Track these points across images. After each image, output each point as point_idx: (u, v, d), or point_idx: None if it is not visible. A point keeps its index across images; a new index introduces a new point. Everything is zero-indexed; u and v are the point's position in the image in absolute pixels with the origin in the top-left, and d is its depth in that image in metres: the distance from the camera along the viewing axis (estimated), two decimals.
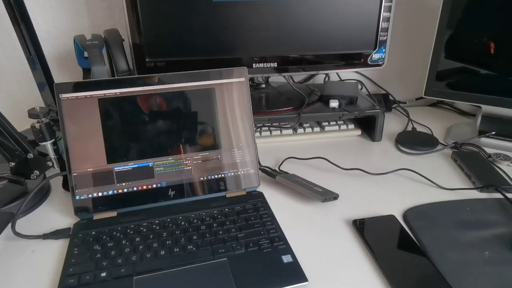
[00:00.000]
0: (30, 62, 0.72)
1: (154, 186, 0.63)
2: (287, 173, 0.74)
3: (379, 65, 0.92)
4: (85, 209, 0.61)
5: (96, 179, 0.61)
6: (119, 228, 0.58)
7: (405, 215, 0.63)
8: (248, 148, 0.67)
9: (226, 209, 0.62)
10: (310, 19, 0.84)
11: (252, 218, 0.60)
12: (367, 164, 0.77)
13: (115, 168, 0.62)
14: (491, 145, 0.86)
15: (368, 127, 0.92)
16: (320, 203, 0.66)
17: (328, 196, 0.65)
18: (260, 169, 0.72)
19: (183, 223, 0.59)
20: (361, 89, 1.08)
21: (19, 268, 0.53)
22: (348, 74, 1.08)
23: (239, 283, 0.48)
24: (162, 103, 0.63)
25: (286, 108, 0.87)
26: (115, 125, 0.61)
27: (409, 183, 0.73)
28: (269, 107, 0.87)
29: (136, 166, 0.62)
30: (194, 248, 0.54)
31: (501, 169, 0.76)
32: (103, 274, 0.50)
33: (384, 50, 0.90)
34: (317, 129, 0.92)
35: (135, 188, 0.62)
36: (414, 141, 0.87)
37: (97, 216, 0.61)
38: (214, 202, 0.64)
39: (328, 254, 0.55)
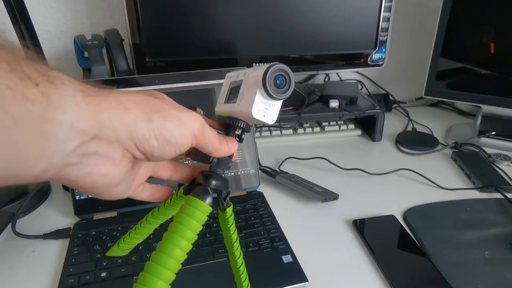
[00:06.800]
0: None
1: None
2: (287, 173, 0.74)
3: (379, 65, 0.92)
4: (85, 209, 0.61)
5: None
6: (119, 228, 0.58)
7: (405, 215, 0.63)
8: (248, 148, 0.67)
9: None
10: (310, 19, 0.84)
11: (252, 218, 0.60)
12: (367, 164, 0.77)
13: None
14: (491, 145, 0.86)
15: (368, 127, 0.92)
16: (320, 203, 0.66)
17: (328, 196, 0.65)
18: (260, 169, 0.72)
19: None
20: (361, 89, 1.07)
21: (19, 268, 0.53)
22: (348, 74, 1.08)
23: None
24: None
25: (286, 108, 0.87)
26: None
27: (409, 183, 0.73)
28: None
29: None
30: (194, 248, 0.53)
31: (501, 169, 0.76)
32: (103, 274, 0.50)
33: (384, 50, 0.90)
34: (317, 129, 0.92)
35: None
36: (414, 141, 0.87)
37: (97, 216, 0.61)
38: (214, 202, 0.64)
39: (328, 254, 0.55)
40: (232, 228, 0.37)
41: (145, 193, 0.37)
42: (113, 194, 0.30)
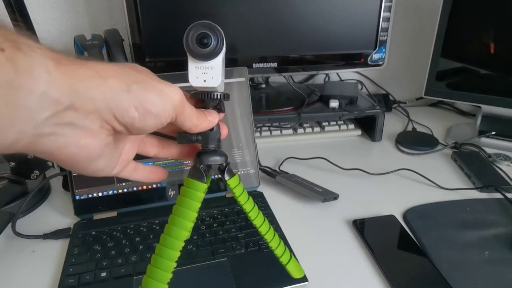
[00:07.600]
0: None
1: (154, 186, 0.63)
2: (287, 173, 0.74)
3: (379, 65, 0.92)
4: (85, 209, 0.61)
5: (96, 179, 0.61)
6: (119, 228, 0.58)
7: (405, 215, 0.63)
8: (248, 148, 0.67)
9: (226, 209, 0.62)
10: (310, 19, 0.84)
11: None
12: (367, 164, 0.77)
13: None
14: (491, 145, 0.86)
15: (368, 127, 0.92)
16: (320, 203, 0.66)
17: (328, 196, 0.65)
18: (260, 169, 0.72)
19: None
20: (361, 89, 1.08)
21: (19, 268, 0.53)
22: (348, 74, 1.08)
23: (239, 283, 0.48)
24: None
25: (286, 108, 0.87)
26: None
27: (409, 183, 0.73)
28: (269, 107, 0.87)
29: None
30: (194, 248, 0.54)
31: (501, 169, 0.76)
32: (103, 274, 0.50)
33: (384, 50, 0.90)
34: (317, 129, 0.92)
35: (135, 188, 0.62)
36: (414, 141, 0.87)
37: (97, 216, 0.61)
38: (214, 202, 0.64)
39: (328, 254, 0.55)
40: (242, 199, 0.37)
41: (138, 173, 0.36)
42: (95, 169, 0.29)
